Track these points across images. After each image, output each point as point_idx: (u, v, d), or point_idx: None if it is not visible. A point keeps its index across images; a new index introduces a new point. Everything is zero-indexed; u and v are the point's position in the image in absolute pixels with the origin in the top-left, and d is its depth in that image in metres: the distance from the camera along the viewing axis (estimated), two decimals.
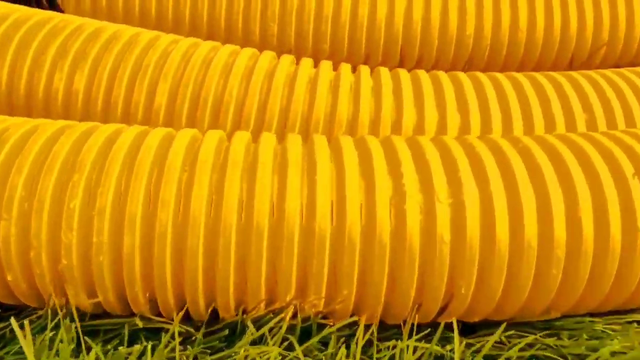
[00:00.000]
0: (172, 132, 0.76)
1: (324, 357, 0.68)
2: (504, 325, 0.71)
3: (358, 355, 0.67)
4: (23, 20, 0.98)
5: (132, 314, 0.71)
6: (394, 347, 0.69)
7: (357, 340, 0.68)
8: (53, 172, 0.69)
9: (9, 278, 0.70)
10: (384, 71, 0.99)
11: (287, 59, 0.99)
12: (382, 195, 0.68)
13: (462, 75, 0.98)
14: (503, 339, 0.75)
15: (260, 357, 0.64)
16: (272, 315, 0.69)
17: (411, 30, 1.16)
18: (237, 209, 0.68)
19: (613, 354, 0.69)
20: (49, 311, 0.71)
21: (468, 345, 0.72)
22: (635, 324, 0.73)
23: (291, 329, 0.70)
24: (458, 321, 0.74)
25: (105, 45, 0.95)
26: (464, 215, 0.68)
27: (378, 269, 0.68)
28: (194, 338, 0.70)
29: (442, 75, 0.98)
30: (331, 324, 0.71)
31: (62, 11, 1.23)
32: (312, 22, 1.16)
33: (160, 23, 1.20)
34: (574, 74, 0.99)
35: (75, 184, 0.68)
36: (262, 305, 0.70)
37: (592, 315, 0.76)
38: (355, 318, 0.70)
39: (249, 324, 0.68)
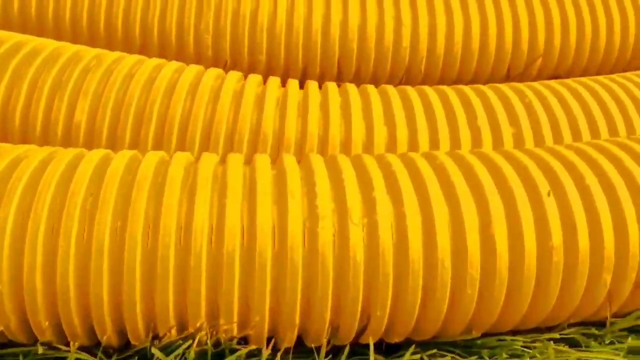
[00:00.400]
0: (82, 153, 0.73)
1: None
2: (412, 348, 0.70)
3: None
4: None
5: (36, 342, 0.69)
6: None
7: None
8: None
9: None
10: (332, 86, 0.97)
11: (213, 73, 0.97)
12: (294, 218, 0.67)
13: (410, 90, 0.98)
14: (425, 358, 0.74)
15: None
16: (181, 342, 0.67)
17: (347, 42, 1.15)
18: (143, 232, 0.65)
19: None
20: None
21: None
22: (552, 342, 0.73)
23: (204, 355, 0.68)
24: (380, 341, 0.73)
25: (23, 60, 0.92)
26: (377, 236, 0.67)
27: (290, 293, 0.66)
28: None
29: (372, 90, 0.97)
30: (242, 348, 0.69)
31: None
32: (247, 34, 1.15)
33: (92, 35, 1.17)
34: (502, 86, 0.99)
35: None
36: (173, 331, 0.68)
37: (514, 333, 0.76)
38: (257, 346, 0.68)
39: (155, 351, 0.66)
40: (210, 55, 1.16)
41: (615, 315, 0.77)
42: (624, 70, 1.20)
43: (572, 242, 0.70)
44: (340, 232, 0.67)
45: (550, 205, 0.70)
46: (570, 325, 0.77)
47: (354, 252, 0.67)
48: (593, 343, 0.74)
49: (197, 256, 0.65)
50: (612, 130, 0.94)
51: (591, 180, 0.72)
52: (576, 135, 0.93)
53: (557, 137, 0.93)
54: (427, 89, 0.98)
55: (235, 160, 0.74)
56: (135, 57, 0.97)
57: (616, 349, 0.72)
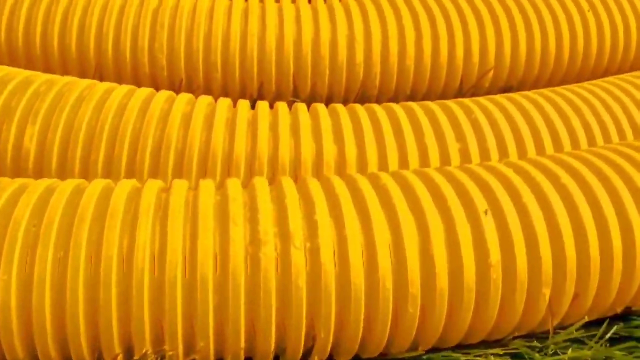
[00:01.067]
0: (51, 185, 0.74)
1: None
2: None
3: None
4: None
5: None
6: None
7: None
8: None
9: None
10: (282, 106, 0.98)
11: (163, 95, 0.98)
12: (236, 243, 0.68)
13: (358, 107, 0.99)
14: None
15: None
16: None
17: (301, 60, 1.16)
18: (86, 261, 0.66)
19: None
20: None
21: None
22: (492, 357, 0.75)
23: None
24: None
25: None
26: (319, 260, 0.68)
27: (234, 318, 0.67)
28: None
29: (322, 108, 0.99)
30: None
31: None
32: (201, 52, 1.15)
33: (46, 58, 1.17)
34: (449, 102, 1.01)
35: None
36: (119, 357, 0.68)
37: (460, 347, 0.78)
38: None
39: None
40: (165, 75, 1.16)
41: (558, 327, 0.79)
42: (576, 81, 1.23)
43: (510, 259, 0.72)
44: (283, 257, 0.68)
45: (488, 224, 0.72)
46: (515, 338, 0.79)
47: (297, 276, 0.68)
48: (537, 355, 0.76)
49: (139, 283, 0.66)
50: (557, 144, 0.97)
51: (528, 197, 0.74)
52: (521, 148, 0.95)
53: (502, 151, 0.95)
54: (376, 107, 0.99)
55: (179, 187, 0.74)
56: (86, 82, 0.98)
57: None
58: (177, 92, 1.14)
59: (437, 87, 1.22)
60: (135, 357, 0.68)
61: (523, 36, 1.21)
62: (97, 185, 0.73)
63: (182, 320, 0.67)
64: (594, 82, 1.11)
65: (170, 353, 0.68)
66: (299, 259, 0.68)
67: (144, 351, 0.68)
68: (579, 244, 0.74)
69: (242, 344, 0.69)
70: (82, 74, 1.16)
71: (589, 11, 1.26)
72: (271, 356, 0.71)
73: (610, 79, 1.11)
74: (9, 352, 0.67)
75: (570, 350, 0.76)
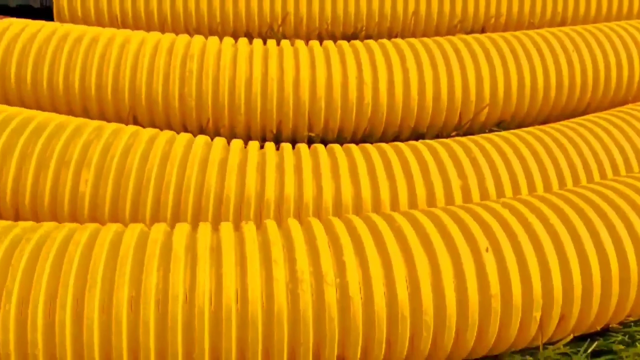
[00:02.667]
0: (96, 229, 0.86)
1: None
2: None
3: None
4: None
5: None
6: None
7: None
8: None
9: None
10: (287, 147, 1.12)
11: (201, 140, 1.11)
12: (279, 281, 0.81)
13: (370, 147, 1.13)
14: None
15: None
16: None
17: (315, 102, 1.29)
18: (155, 299, 0.79)
19: None
20: None
21: None
22: None
23: None
24: None
25: (30, 135, 1.05)
26: (348, 295, 0.81)
27: (279, 345, 0.81)
28: None
29: (339, 149, 1.12)
30: None
31: None
32: (226, 95, 1.28)
33: (84, 98, 1.29)
34: (450, 141, 1.14)
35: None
36: None
37: None
38: None
39: None
40: (194, 116, 1.29)
41: (547, 343, 0.93)
42: (563, 116, 1.37)
43: (507, 290, 0.86)
44: (317, 292, 0.82)
45: (489, 260, 0.86)
46: (511, 354, 0.93)
47: (329, 308, 0.81)
48: None
49: (200, 317, 0.79)
50: (545, 180, 1.11)
51: (522, 236, 0.88)
52: (515, 186, 1.09)
53: (499, 188, 1.09)
54: (387, 147, 1.13)
55: (227, 230, 0.87)
56: (131, 129, 1.10)
57: None
58: (204, 131, 1.28)
59: (438, 122, 1.35)
60: None
61: (515, 77, 1.35)
62: (160, 229, 0.86)
63: (236, 349, 0.80)
64: (577, 119, 1.25)
65: None
66: (331, 293, 0.82)
67: None
68: (564, 274, 0.88)
69: None
70: (117, 115, 1.30)
71: (573, 52, 1.40)
72: None
73: (591, 116, 1.25)
74: None
75: None
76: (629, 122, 1.19)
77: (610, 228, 0.91)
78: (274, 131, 1.32)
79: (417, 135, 1.35)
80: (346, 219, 0.91)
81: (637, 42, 1.44)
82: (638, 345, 0.92)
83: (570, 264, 0.88)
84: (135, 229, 0.87)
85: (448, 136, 1.35)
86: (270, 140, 1.24)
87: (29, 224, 0.88)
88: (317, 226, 0.89)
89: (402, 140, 1.19)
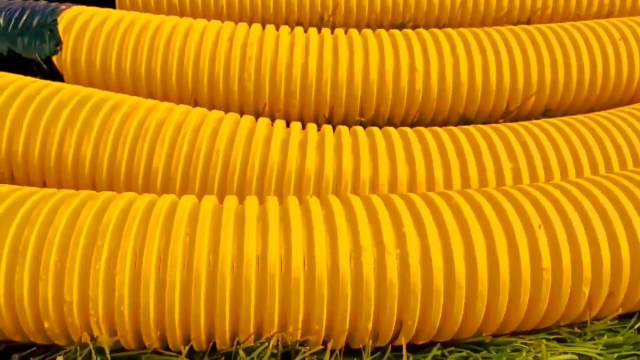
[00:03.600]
0: (174, 200, 0.94)
1: None
2: (436, 348, 0.90)
3: None
4: (34, 93, 1.14)
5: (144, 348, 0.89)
6: None
7: None
8: (80, 239, 0.86)
9: (46, 325, 0.87)
10: (344, 130, 1.18)
11: (264, 122, 1.17)
12: (343, 250, 0.87)
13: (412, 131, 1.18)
14: (446, 353, 0.94)
15: None
16: (259, 344, 0.87)
17: (368, 88, 1.35)
18: (230, 263, 0.86)
19: None
20: (77, 348, 0.88)
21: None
22: (544, 340, 0.93)
23: (275, 355, 0.89)
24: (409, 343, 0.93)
25: (107, 114, 1.12)
26: (408, 264, 0.87)
27: (342, 308, 0.87)
28: None
29: (394, 132, 1.17)
30: (306, 350, 0.90)
31: (60, 75, 1.39)
32: (283, 80, 1.34)
33: (149, 81, 1.37)
34: (500, 126, 1.19)
35: (99, 248, 0.86)
36: (252, 337, 0.88)
37: (516, 334, 0.96)
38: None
39: (241, 351, 0.86)
40: (252, 100, 1.36)
41: (595, 319, 0.97)
42: (606, 107, 1.39)
43: (557, 264, 0.90)
44: (379, 261, 0.87)
45: (541, 236, 0.91)
46: (560, 327, 0.97)
47: (390, 276, 0.87)
48: (577, 339, 0.94)
49: (272, 280, 0.86)
50: (592, 164, 1.14)
51: (572, 214, 0.92)
52: (563, 169, 1.13)
53: (547, 171, 1.13)
54: (440, 130, 1.18)
55: (293, 203, 0.94)
56: (199, 110, 1.17)
57: (595, 344, 0.92)
58: (261, 115, 1.35)
59: (486, 109, 1.39)
60: (265, 336, 0.88)
61: (562, 66, 1.38)
62: (232, 200, 0.93)
63: (303, 310, 0.87)
64: (623, 108, 1.28)
65: (291, 332, 0.87)
66: (392, 262, 0.87)
67: (271, 332, 0.87)
68: (613, 252, 0.92)
69: (347, 329, 0.88)
70: (180, 100, 1.37)
71: (620, 40, 1.42)
72: (368, 338, 0.90)
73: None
74: (170, 336, 0.87)
75: (605, 336, 0.94)
76: None
77: None
78: (327, 115, 1.38)
79: (465, 122, 1.39)
80: (403, 195, 0.97)
81: None
82: None
83: (620, 242, 0.92)
84: (210, 200, 0.94)
85: (496, 123, 1.39)
86: (321, 123, 1.30)
87: (110, 193, 0.96)
88: (378, 202, 0.94)
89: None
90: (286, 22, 1.68)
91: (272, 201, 0.94)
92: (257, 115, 1.36)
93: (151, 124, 1.12)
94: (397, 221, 0.91)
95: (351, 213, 0.92)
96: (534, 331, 0.96)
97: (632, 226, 0.94)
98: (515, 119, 1.40)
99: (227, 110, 1.37)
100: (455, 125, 1.34)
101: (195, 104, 1.37)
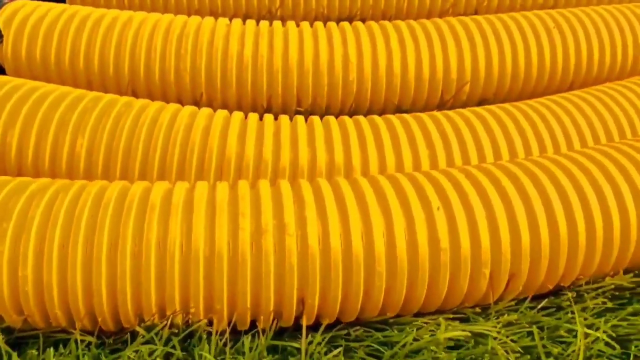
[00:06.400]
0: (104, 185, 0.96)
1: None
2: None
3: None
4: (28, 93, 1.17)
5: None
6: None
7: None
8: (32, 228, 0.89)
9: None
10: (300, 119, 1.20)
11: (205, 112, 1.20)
12: (244, 232, 0.89)
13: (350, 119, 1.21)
14: (351, 332, 0.96)
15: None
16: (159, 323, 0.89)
17: (303, 78, 1.37)
18: (131, 247, 0.88)
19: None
20: None
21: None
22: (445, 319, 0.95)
23: (177, 334, 0.91)
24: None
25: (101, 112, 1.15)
26: (307, 245, 0.89)
27: (242, 288, 0.89)
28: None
29: (326, 120, 1.20)
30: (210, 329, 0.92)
31: (2, 68, 1.41)
32: (219, 73, 1.36)
33: (88, 73, 1.39)
34: (422, 114, 1.21)
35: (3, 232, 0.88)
36: (156, 317, 0.91)
37: (419, 315, 0.98)
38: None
39: (140, 329, 0.88)
40: (189, 90, 1.38)
41: (499, 300, 0.99)
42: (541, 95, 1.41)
43: (456, 245, 0.92)
44: (279, 243, 0.90)
45: (440, 217, 0.93)
46: (467, 307, 0.99)
47: (290, 257, 0.89)
48: (480, 319, 0.96)
49: (171, 261, 0.88)
50: (511, 150, 1.17)
51: (473, 197, 0.95)
52: (481, 156, 1.16)
53: (465, 158, 1.15)
54: (362, 118, 1.20)
55: (201, 187, 0.96)
56: (124, 99, 1.20)
57: (496, 323, 0.94)
58: (198, 104, 1.37)
59: (421, 99, 1.41)
60: (168, 313, 0.90)
61: (496, 56, 1.40)
62: (139, 186, 0.95)
63: (204, 290, 0.89)
64: (550, 97, 1.30)
65: (193, 311, 0.89)
66: (291, 244, 0.89)
67: (175, 310, 0.89)
68: (513, 234, 0.94)
69: (248, 308, 0.90)
70: (118, 90, 1.39)
71: (554, 28, 1.44)
72: (271, 318, 0.92)
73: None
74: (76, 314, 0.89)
75: (505, 315, 0.96)
76: (589, 102, 1.25)
77: (561, 192, 0.97)
78: (265, 105, 1.40)
79: (401, 112, 1.41)
80: (314, 181, 0.99)
81: (620, 25, 1.47)
82: (587, 300, 0.97)
83: (520, 225, 0.94)
84: (137, 188, 0.96)
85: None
86: (261, 113, 1.33)
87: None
88: (285, 186, 0.96)
89: None
90: (234, 16, 1.70)
91: (179, 187, 0.96)
92: (195, 104, 1.38)
93: (74, 112, 1.14)
94: (300, 205, 0.93)
95: (257, 197, 0.94)
96: (440, 312, 0.98)
97: (533, 210, 0.95)
98: (452, 109, 1.43)
99: (164, 101, 1.39)
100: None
101: (133, 94, 1.39)
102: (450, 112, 1.25)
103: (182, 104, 1.32)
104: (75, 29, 1.39)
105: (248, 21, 1.45)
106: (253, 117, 1.21)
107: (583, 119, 1.24)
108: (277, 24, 1.45)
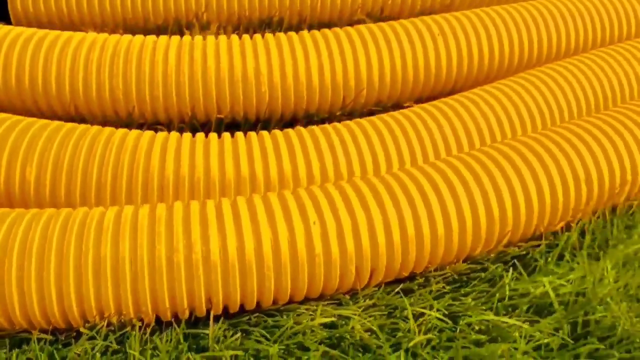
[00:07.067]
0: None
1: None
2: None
3: None
4: None
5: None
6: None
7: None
8: None
9: None
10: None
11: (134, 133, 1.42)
12: (159, 252, 1.15)
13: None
14: (252, 318, 1.24)
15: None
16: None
17: (221, 89, 1.58)
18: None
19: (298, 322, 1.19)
20: None
21: None
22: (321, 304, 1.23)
23: (114, 331, 1.18)
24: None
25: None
26: (209, 259, 1.16)
27: (160, 294, 1.16)
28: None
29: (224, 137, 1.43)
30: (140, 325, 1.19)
31: None
32: (147, 87, 1.57)
33: (33, 91, 1.59)
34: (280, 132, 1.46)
35: None
36: (96, 318, 1.17)
37: (304, 302, 1.26)
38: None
39: (83, 329, 1.15)
40: (123, 104, 1.59)
41: (366, 287, 1.27)
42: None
43: (327, 250, 1.19)
44: (187, 259, 1.15)
45: (315, 230, 1.19)
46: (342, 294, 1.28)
47: (197, 269, 1.15)
48: (350, 303, 1.24)
49: (104, 273, 1.14)
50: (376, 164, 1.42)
51: (342, 211, 1.21)
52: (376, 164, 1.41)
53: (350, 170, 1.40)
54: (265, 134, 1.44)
55: (126, 210, 1.20)
56: (68, 125, 1.41)
57: (358, 307, 1.23)
58: (132, 116, 1.58)
59: (325, 104, 1.64)
60: (105, 315, 1.17)
61: (387, 64, 1.62)
62: (79, 212, 1.20)
63: (131, 295, 1.15)
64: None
65: (125, 312, 1.16)
66: (198, 259, 1.16)
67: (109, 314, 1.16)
68: (372, 239, 1.21)
69: (167, 306, 1.18)
70: (63, 108, 1.59)
71: (438, 35, 1.66)
72: (187, 312, 1.20)
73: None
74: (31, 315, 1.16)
75: (368, 299, 1.24)
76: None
77: (410, 201, 1.24)
78: (190, 114, 1.62)
79: (310, 115, 1.65)
80: (218, 201, 1.24)
81: (494, 30, 1.69)
82: (432, 284, 1.26)
83: (377, 231, 1.21)
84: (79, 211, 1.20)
85: (336, 116, 1.65)
86: (188, 122, 1.56)
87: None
88: (194, 207, 1.21)
89: (300, 120, 1.54)
90: (166, 20, 1.88)
91: (110, 211, 1.21)
92: (128, 116, 1.60)
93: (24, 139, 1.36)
94: (204, 224, 1.18)
95: (169, 217, 1.19)
96: (321, 298, 1.26)
97: (388, 218, 1.22)
98: (353, 111, 1.66)
99: (103, 114, 1.61)
100: (303, 118, 1.61)
101: (76, 109, 1.60)
102: (339, 125, 1.48)
103: (120, 117, 1.55)
104: (20, 50, 1.58)
105: (173, 37, 1.64)
106: (187, 136, 1.43)
107: (459, 123, 1.49)
108: (197, 38, 1.64)
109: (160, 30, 1.89)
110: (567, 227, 1.35)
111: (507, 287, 1.22)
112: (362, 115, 1.62)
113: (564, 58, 1.75)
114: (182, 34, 1.83)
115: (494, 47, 1.70)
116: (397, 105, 1.69)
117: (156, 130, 1.47)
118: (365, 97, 1.66)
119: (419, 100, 1.68)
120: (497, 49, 1.71)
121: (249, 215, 1.20)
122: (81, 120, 1.58)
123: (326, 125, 1.48)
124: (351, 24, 1.75)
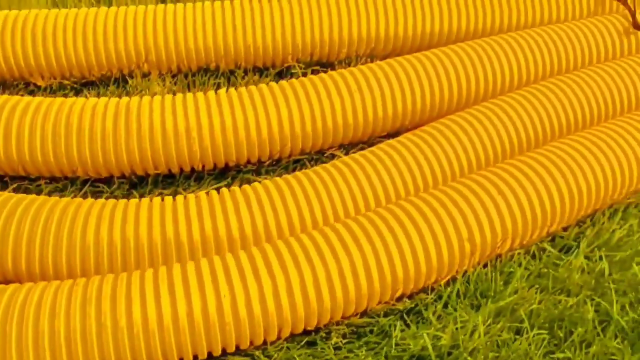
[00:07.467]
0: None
1: None
2: None
3: None
4: None
5: None
6: None
7: None
8: None
9: None
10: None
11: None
12: (91, 319, 1.34)
13: None
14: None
15: None
16: None
17: (156, 147, 1.73)
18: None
19: None
20: None
21: None
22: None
23: None
24: None
25: None
26: (132, 331, 1.34)
27: (91, 355, 1.35)
28: None
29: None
30: None
31: None
32: (87, 148, 1.73)
33: None
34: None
35: None
36: None
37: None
38: None
39: None
40: (67, 167, 1.74)
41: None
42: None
43: (236, 316, 1.38)
44: (114, 332, 1.34)
45: (226, 303, 1.38)
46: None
47: (122, 339, 1.34)
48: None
49: (42, 340, 1.33)
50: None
51: (250, 280, 1.39)
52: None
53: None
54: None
55: (63, 285, 1.39)
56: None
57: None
58: (75, 173, 1.74)
59: (253, 156, 1.80)
60: None
61: (308, 116, 1.78)
62: (38, 286, 1.38)
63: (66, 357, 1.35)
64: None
65: None
66: (122, 334, 1.34)
67: None
68: (290, 298, 1.40)
69: None
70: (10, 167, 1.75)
71: (356, 92, 1.81)
72: None
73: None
74: None
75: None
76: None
77: (323, 260, 1.43)
78: (129, 170, 1.78)
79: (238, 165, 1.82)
80: (142, 273, 1.42)
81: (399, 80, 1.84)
82: (333, 337, 1.46)
83: (294, 291, 1.40)
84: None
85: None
86: (128, 176, 1.73)
87: None
88: (135, 277, 1.40)
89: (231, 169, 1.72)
90: (109, 70, 2.02)
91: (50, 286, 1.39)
92: (73, 174, 1.76)
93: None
94: (128, 298, 1.37)
95: (113, 288, 1.37)
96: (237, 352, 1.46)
97: (304, 279, 1.40)
98: (279, 162, 1.83)
99: (50, 174, 1.77)
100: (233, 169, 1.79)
101: (24, 169, 1.76)
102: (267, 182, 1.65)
103: (66, 177, 1.72)
104: None
105: (111, 99, 1.78)
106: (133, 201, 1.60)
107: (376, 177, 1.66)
108: (134, 98, 1.78)
109: (105, 78, 2.04)
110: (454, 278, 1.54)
111: (393, 340, 1.42)
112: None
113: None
114: (125, 82, 1.99)
115: (407, 99, 1.86)
116: (321, 152, 1.86)
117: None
118: (289, 150, 1.82)
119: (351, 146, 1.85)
120: (410, 101, 1.86)
121: (167, 286, 1.38)
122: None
123: (245, 186, 1.64)
124: (282, 69, 1.90)
